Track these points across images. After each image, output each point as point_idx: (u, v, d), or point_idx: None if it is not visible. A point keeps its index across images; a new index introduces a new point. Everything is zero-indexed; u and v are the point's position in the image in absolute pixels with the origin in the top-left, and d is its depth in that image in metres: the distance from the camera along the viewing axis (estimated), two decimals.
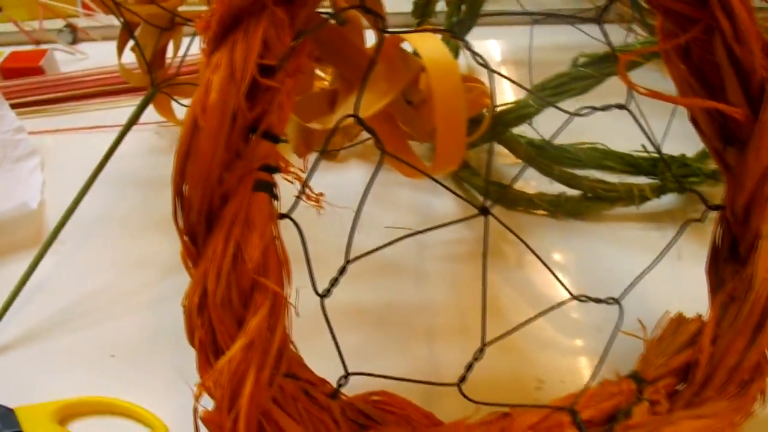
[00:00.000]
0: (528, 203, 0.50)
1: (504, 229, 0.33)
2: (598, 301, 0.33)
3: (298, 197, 0.30)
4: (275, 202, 0.29)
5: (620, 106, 0.32)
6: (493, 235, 0.41)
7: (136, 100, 0.60)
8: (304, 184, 0.30)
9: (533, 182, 0.52)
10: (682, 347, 0.33)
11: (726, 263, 0.33)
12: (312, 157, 0.46)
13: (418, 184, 0.54)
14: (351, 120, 0.31)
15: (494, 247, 0.48)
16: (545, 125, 0.49)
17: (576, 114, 0.33)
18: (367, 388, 0.33)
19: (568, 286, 0.34)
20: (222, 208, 0.27)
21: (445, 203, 0.53)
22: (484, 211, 0.32)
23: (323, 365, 0.32)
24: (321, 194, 0.31)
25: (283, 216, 0.29)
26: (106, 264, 0.48)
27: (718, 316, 0.32)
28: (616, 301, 0.34)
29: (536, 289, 0.45)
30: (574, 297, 0.33)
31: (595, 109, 0.33)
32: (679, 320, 0.35)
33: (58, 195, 0.47)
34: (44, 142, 0.61)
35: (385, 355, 0.41)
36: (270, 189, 0.28)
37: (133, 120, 0.46)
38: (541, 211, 0.51)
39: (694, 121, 0.34)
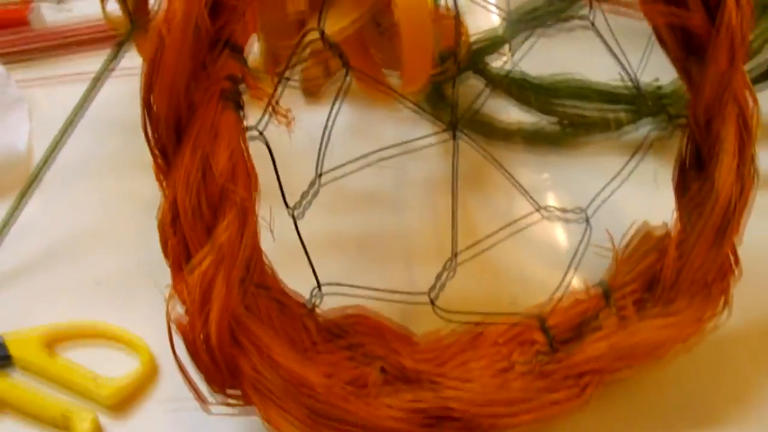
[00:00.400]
0: (504, 132, 0.50)
1: (484, 159, 0.34)
2: (564, 211, 0.34)
3: (267, 113, 0.30)
4: (242, 114, 0.29)
5: (581, 18, 0.33)
6: (473, 164, 0.42)
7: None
8: (272, 98, 0.30)
9: (512, 113, 0.53)
10: (648, 253, 0.34)
11: (691, 171, 0.34)
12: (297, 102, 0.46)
13: (401, 120, 0.54)
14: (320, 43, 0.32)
15: (473, 173, 0.48)
16: (524, 61, 0.49)
17: (542, 26, 0.33)
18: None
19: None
20: (189, 119, 0.28)
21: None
22: (452, 126, 0.33)
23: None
24: (288, 109, 0.31)
25: (250, 128, 0.30)
26: (93, 203, 0.49)
27: (683, 221, 0.33)
28: (583, 211, 0.34)
29: (515, 214, 0.45)
30: (540, 208, 0.34)
31: (560, 21, 0.33)
32: (646, 228, 0.35)
33: (46, 142, 0.48)
34: (32, 91, 0.61)
35: (363, 279, 0.41)
36: (236, 98, 0.28)
37: (112, 57, 0.46)
38: (519, 142, 0.51)
39: (658, 35, 0.34)
